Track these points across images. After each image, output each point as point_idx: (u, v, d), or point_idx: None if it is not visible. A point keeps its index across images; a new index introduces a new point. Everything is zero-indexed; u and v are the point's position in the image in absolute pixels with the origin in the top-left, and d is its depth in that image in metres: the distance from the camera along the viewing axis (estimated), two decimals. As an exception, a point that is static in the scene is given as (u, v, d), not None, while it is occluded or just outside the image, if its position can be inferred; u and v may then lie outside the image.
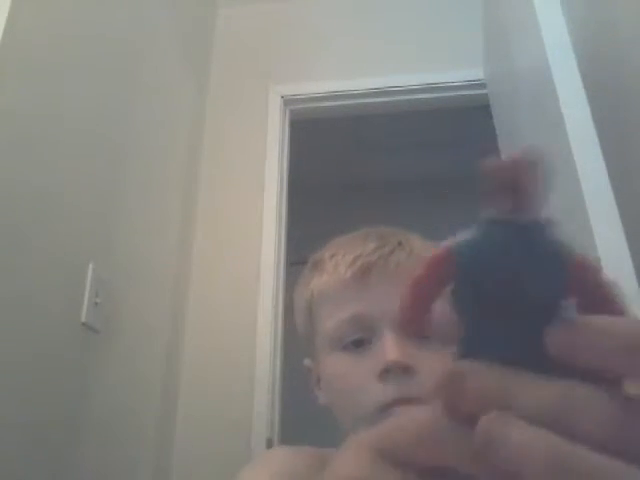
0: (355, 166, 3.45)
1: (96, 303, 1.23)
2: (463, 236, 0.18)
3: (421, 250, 0.57)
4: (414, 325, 0.19)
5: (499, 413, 0.16)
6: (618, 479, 0.15)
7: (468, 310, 0.18)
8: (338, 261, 0.57)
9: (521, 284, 0.17)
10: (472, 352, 0.18)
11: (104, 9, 1.38)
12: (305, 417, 1.86)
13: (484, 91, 1.94)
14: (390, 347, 0.50)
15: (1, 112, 0.99)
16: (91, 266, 1.23)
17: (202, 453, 1.64)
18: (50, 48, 1.15)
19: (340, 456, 0.20)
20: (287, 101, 2.12)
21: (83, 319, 1.18)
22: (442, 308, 0.19)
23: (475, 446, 0.16)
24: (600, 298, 0.18)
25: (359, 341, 0.53)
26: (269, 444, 1.62)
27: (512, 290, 0.17)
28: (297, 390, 1.22)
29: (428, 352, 0.50)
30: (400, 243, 0.57)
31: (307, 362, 0.63)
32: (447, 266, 0.18)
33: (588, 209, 0.95)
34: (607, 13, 1.26)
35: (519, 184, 0.17)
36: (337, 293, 0.56)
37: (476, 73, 1.98)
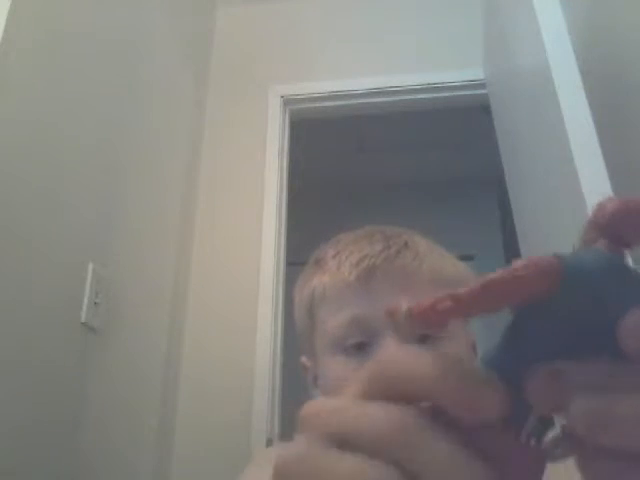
0: (355, 166, 3.45)
1: (96, 303, 1.23)
2: (564, 255, 0.17)
3: (427, 252, 0.56)
4: (444, 322, 0.18)
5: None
6: None
7: (545, 326, 0.17)
8: (341, 261, 0.55)
9: (613, 317, 0.16)
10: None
11: (104, 10, 1.38)
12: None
13: (484, 91, 1.94)
14: None
15: (1, 112, 0.99)
16: (91, 266, 1.23)
17: (202, 453, 1.64)
18: (50, 49, 1.15)
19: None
20: (287, 101, 2.12)
21: (83, 319, 1.18)
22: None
23: (577, 431, 0.16)
24: None
25: (360, 344, 0.52)
26: (269, 444, 1.62)
27: (602, 320, 0.16)
28: (297, 390, 1.22)
29: None
30: (406, 244, 0.55)
31: (304, 360, 0.62)
32: (550, 277, 0.17)
33: (588, 209, 0.95)
34: (607, 13, 1.26)
35: (621, 235, 0.17)
36: (339, 294, 0.54)
37: (476, 73, 1.98)
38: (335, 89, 2.09)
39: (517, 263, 0.17)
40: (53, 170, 1.14)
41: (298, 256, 1.76)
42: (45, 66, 1.13)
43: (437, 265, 0.55)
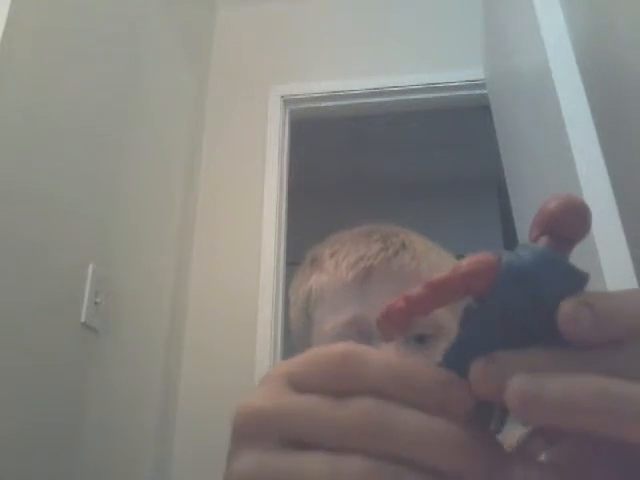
0: (355, 166, 3.45)
1: (96, 303, 1.23)
2: (504, 253, 0.18)
3: (424, 252, 0.55)
4: (403, 322, 0.19)
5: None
6: None
7: (487, 322, 0.18)
8: (339, 261, 0.55)
9: (551, 308, 0.17)
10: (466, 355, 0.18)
11: (104, 10, 1.38)
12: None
13: (484, 91, 1.94)
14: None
15: (1, 111, 0.99)
16: (91, 266, 1.23)
17: (202, 452, 1.64)
18: (49, 49, 1.15)
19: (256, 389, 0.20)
20: (287, 101, 2.12)
21: (83, 319, 1.18)
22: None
23: (511, 407, 0.16)
24: None
25: None
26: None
27: (541, 312, 0.17)
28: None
29: (427, 358, 0.49)
30: (404, 244, 0.55)
31: None
32: (486, 275, 0.18)
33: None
34: (607, 14, 1.26)
35: (563, 232, 0.18)
36: (337, 294, 0.54)
37: (476, 73, 1.98)
38: (335, 89, 2.09)
39: (460, 262, 0.18)
40: (53, 170, 1.14)
41: (298, 256, 1.77)
42: (45, 66, 1.13)
43: (435, 264, 0.55)
